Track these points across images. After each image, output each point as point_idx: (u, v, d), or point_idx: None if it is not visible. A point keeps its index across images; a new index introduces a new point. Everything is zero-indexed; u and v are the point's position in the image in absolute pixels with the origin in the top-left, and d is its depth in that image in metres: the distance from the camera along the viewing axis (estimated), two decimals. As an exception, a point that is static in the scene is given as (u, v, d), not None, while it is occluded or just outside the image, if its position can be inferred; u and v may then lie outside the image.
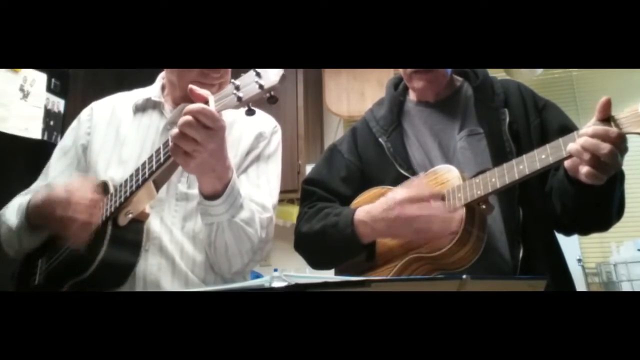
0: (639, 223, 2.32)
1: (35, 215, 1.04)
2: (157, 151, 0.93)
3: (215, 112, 0.84)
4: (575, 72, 2.95)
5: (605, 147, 0.80)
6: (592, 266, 2.55)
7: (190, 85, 0.87)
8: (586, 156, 0.82)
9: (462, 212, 0.95)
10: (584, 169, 0.83)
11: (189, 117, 0.83)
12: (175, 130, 0.85)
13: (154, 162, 0.93)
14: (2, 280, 1.21)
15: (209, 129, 0.84)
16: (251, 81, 0.81)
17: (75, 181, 1.00)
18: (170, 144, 0.86)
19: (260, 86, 0.80)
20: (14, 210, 1.11)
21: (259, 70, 0.81)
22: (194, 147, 0.85)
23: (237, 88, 0.83)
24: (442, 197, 0.99)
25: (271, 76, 0.80)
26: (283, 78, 0.79)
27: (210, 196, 0.95)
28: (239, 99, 0.82)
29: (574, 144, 0.84)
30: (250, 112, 0.84)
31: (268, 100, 0.81)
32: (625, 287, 2.28)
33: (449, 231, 0.95)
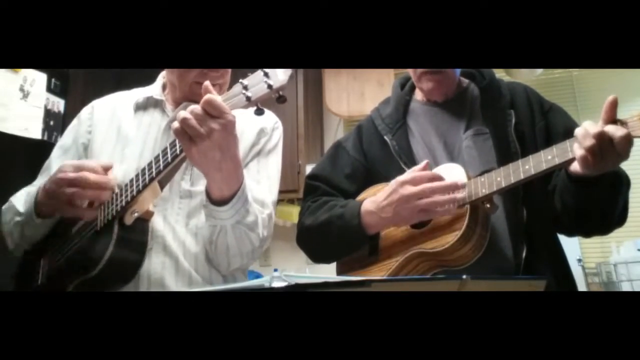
0: (639, 223, 2.32)
1: (45, 196, 1.03)
2: (164, 151, 0.93)
3: (222, 103, 0.83)
4: (575, 72, 2.95)
5: (607, 140, 0.80)
6: (592, 266, 2.55)
7: (206, 83, 0.86)
8: (588, 140, 0.82)
9: (466, 209, 0.96)
10: (580, 152, 0.83)
11: (197, 105, 0.84)
12: (184, 113, 0.84)
13: (160, 162, 0.93)
14: (2, 280, 1.21)
15: (214, 117, 0.83)
16: (260, 81, 0.81)
17: (85, 160, 1.02)
18: (177, 125, 0.85)
19: (269, 86, 0.80)
20: (21, 198, 1.11)
21: (266, 69, 0.81)
22: (197, 132, 0.84)
23: (246, 88, 0.83)
24: (441, 179, 0.99)
25: (280, 76, 0.80)
26: (291, 78, 0.80)
27: (216, 202, 0.94)
28: (248, 98, 0.82)
29: (581, 128, 0.84)
30: (259, 112, 0.84)
31: (277, 100, 0.81)
32: (625, 287, 2.28)
33: (454, 204, 0.95)
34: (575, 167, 0.87)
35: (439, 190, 0.97)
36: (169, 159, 0.91)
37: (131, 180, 0.97)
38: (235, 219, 0.96)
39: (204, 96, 0.84)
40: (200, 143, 0.84)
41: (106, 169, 1.01)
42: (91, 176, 0.97)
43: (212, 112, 0.83)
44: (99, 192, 0.97)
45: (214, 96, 0.83)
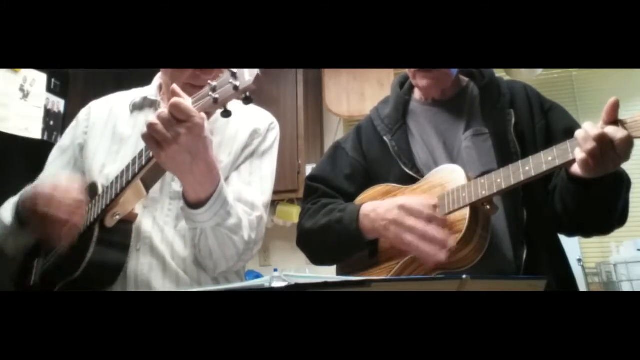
0: (639, 223, 2.32)
1: (23, 212, 1.04)
2: (140, 153, 0.93)
3: (189, 107, 0.84)
4: (575, 72, 2.95)
5: (609, 143, 0.80)
6: (592, 266, 2.55)
7: (173, 86, 0.86)
8: (588, 144, 0.81)
9: (467, 211, 0.95)
10: (580, 155, 0.83)
11: (164, 109, 0.84)
12: (150, 118, 0.85)
13: (137, 165, 0.93)
14: (2, 280, 1.21)
15: (180, 121, 0.84)
16: (226, 82, 0.82)
17: (63, 179, 1.00)
18: (145, 131, 0.86)
19: (235, 87, 0.80)
20: (8, 210, 1.11)
21: (235, 70, 0.81)
22: (164, 137, 0.84)
23: (214, 89, 0.83)
24: (442, 223, 0.97)
25: (246, 77, 0.80)
26: (258, 78, 0.79)
27: (192, 204, 0.94)
28: (215, 100, 0.83)
29: (581, 130, 0.83)
30: (226, 114, 0.84)
31: (244, 101, 0.82)
32: (625, 287, 2.28)
33: (434, 258, 0.93)
34: (576, 168, 0.87)
35: (428, 238, 0.94)
36: (144, 162, 0.91)
37: (112, 183, 0.98)
38: (214, 222, 0.96)
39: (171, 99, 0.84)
40: (168, 148, 0.84)
41: (79, 188, 0.99)
42: (65, 201, 0.95)
43: (178, 116, 0.83)
44: (73, 215, 0.96)
45: (180, 99, 0.83)
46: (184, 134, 0.84)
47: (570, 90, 2.94)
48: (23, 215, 1.04)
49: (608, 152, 0.81)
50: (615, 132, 0.81)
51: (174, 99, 0.83)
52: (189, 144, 0.85)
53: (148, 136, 0.85)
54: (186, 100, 0.85)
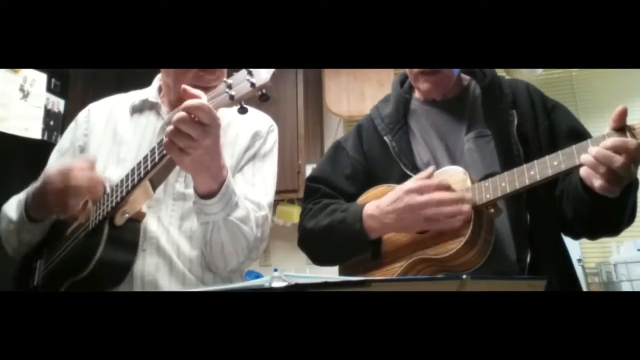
0: (639, 223, 2.32)
1: (34, 203, 1.04)
2: (152, 150, 0.93)
3: (212, 108, 0.83)
4: (575, 72, 2.95)
5: (619, 160, 0.79)
6: (592, 266, 2.55)
7: (184, 86, 0.86)
8: (601, 169, 0.81)
9: (471, 215, 0.95)
10: (598, 182, 0.82)
11: (184, 113, 0.83)
12: (170, 127, 0.84)
13: (149, 162, 0.93)
14: (2, 280, 1.21)
15: (204, 125, 0.83)
16: (243, 79, 0.82)
17: (70, 160, 1.01)
18: (165, 139, 0.85)
19: (252, 84, 0.81)
20: (13, 206, 1.11)
21: (251, 69, 0.81)
22: (189, 143, 0.84)
23: (229, 87, 0.83)
24: (449, 188, 0.98)
25: (262, 74, 0.80)
26: (274, 76, 0.80)
27: (205, 195, 0.95)
28: (231, 97, 0.83)
29: (588, 155, 0.82)
30: (242, 111, 0.84)
31: (260, 99, 0.82)
32: (625, 287, 2.28)
33: (460, 215, 0.94)
34: (591, 183, 0.85)
35: (446, 202, 0.95)
36: (157, 159, 0.92)
37: (121, 181, 0.98)
38: (225, 212, 0.97)
39: (186, 98, 0.84)
40: (194, 152, 0.85)
41: (91, 164, 1.01)
42: (81, 173, 0.97)
43: (204, 120, 0.83)
44: (91, 188, 0.98)
45: (204, 102, 0.83)
46: (208, 137, 0.84)
47: (570, 90, 2.94)
48: (35, 206, 1.04)
49: (624, 168, 0.80)
50: (625, 143, 0.80)
51: (198, 102, 0.83)
52: (210, 146, 0.86)
53: (169, 143, 0.85)
54: (203, 98, 0.84)
